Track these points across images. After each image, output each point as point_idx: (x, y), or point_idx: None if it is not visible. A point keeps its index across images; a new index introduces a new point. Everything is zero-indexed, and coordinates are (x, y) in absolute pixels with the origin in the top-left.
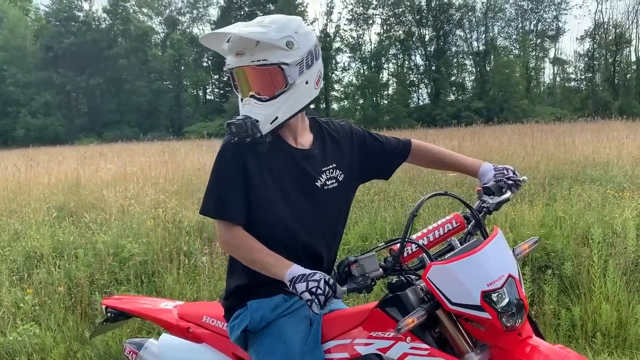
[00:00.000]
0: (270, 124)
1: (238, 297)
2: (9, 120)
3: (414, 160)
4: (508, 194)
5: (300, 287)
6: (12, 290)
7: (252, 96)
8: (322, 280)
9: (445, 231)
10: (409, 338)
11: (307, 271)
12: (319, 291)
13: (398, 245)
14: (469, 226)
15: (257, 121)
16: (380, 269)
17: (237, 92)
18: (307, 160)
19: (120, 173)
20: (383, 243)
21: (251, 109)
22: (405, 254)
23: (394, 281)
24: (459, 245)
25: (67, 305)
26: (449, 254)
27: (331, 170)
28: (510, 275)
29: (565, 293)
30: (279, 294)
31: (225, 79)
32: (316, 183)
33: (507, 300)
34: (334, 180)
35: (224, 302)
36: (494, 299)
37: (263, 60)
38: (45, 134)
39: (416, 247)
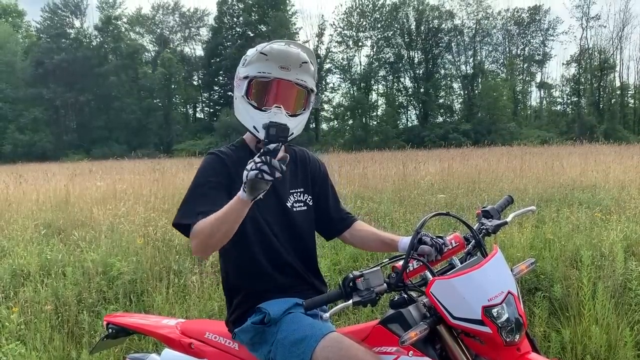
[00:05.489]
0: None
1: (247, 304)
2: None
3: (354, 236)
4: (507, 219)
5: (246, 175)
6: None
7: (277, 107)
8: (253, 163)
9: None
10: (411, 352)
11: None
12: (258, 165)
13: (402, 261)
14: (469, 246)
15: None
16: (385, 284)
17: (249, 99)
18: (279, 181)
19: (110, 191)
20: (388, 259)
21: (282, 118)
22: (408, 270)
23: (395, 298)
24: (459, 264)
25: (54, 325)
26: (450, 272)
27: (299, 193)
28: (509, 292)
29: (555, 315)
30: (287, 297)
31: (215, 97)
32: (286, 203)
33: (506, 316)
34: (302, 204)
35: (229, 317)
36: (494, 314)
37: (303, 81)
38: (33, 150)
39: (418, 264)
